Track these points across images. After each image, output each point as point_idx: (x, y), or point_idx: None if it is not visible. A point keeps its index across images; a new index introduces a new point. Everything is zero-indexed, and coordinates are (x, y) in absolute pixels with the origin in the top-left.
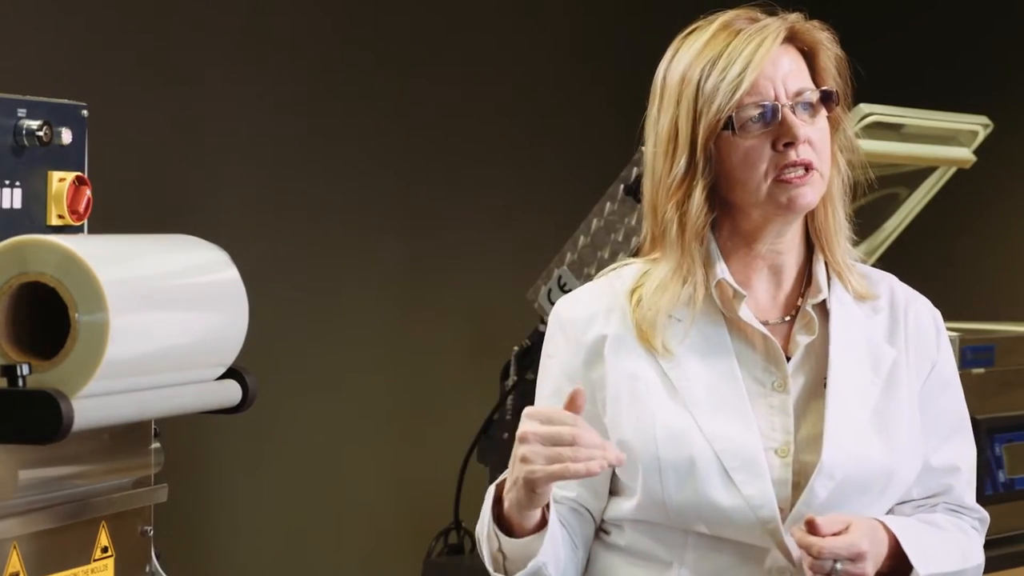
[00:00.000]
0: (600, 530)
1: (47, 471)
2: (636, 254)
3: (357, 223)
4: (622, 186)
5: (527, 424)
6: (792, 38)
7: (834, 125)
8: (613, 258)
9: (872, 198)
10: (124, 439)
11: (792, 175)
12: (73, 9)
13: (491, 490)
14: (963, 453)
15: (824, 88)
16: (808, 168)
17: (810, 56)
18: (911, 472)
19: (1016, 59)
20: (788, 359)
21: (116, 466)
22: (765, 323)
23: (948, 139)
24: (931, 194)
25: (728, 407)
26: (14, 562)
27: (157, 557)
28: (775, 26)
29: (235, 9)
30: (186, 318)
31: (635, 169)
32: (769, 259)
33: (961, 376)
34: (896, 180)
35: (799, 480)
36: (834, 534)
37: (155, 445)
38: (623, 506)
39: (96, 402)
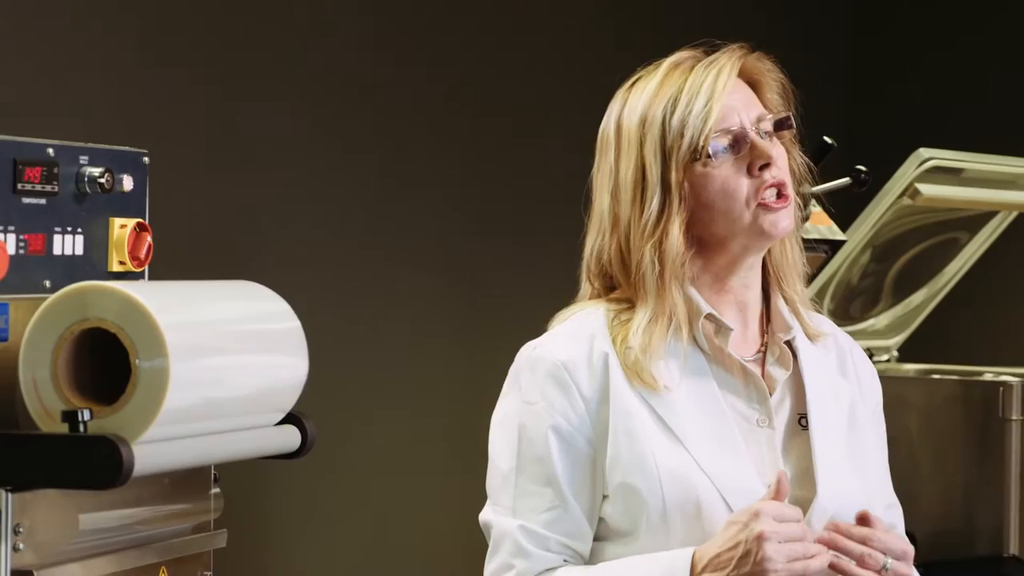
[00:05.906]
0: None
1: (108, 516)
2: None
3: (417, 272)
4: None
5: (766, 523)
6: (741, 71)
7: (786, 151)
8: None
9: (932, 243)
10: (184, 484)
11: (771, 199)
12: (137, 59)
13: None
14: (893, 491)
15: (783, 114)
16: (781, 191)
17: (756, 87)
18: (880, 507)
19: None
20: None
21: (176, 511)
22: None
23: (1009, 183)
24: (992, 238)
25: (722, 443)
26: None
27: None
28: (727, 58)
29: (297, 60)
30: (246, 364)
31: None
32: (738, 294)
33: None
34: (956, 224)
35: None
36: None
37: (214, 490)
38: (617, 551)
39: (156, 448)
